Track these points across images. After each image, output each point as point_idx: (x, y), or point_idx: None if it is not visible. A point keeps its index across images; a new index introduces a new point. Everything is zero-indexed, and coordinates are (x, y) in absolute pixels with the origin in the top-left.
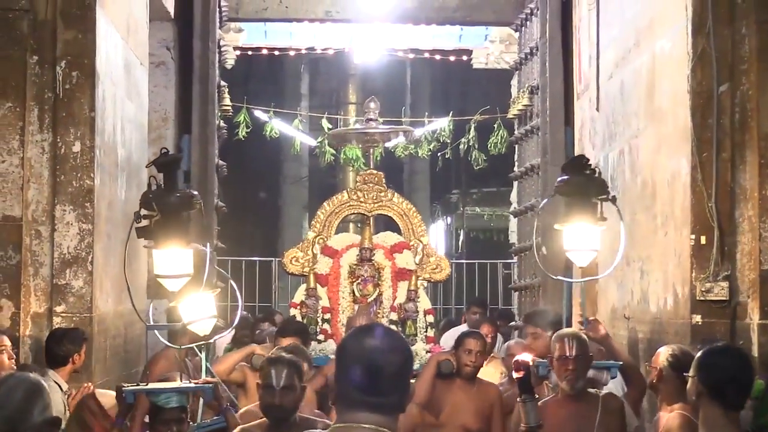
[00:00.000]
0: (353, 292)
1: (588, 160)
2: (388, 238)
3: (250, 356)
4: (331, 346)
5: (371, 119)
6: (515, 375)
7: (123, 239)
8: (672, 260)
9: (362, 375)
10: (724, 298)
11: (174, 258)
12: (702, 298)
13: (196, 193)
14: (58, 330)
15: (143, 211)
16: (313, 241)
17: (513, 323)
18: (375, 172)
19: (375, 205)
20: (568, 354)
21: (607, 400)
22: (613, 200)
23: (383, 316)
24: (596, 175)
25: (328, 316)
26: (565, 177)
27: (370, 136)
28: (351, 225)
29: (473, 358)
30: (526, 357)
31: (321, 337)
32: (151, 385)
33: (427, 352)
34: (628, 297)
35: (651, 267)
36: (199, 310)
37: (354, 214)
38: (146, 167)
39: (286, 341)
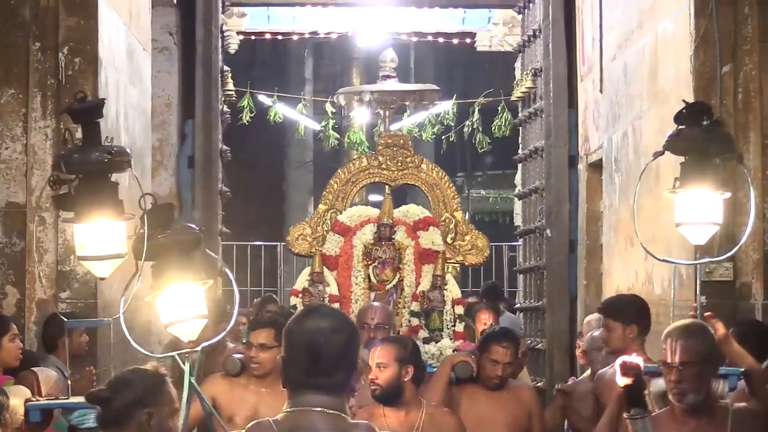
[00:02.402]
0: (368, 277)
1: (709, 107)
2: (410, 212)
3: (224, 358)
4: None
5: (388, 75)
6: (621, 381)
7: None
8: (676, 241)
9: (305, 356)
10: (728, 279)
11: (100, 234)
12: (706, 279)
13: (127, 150)
14: (48, 315)
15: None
16: (323, 216)
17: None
18: (399, 133)
19: (399, 173)
20: (669, 360)
21: (740, 414)
22: (740, 159)
23: (404, 306)
24: (719, 127)
25: (336, 306)
26: (679, 129)
27: (388, 95)
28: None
29: (500, 371)
30: (636, 358)
31: None
32: (60, 401)
33: (454, 351)
34: (633, 278)
35: (655, 248)
36: (183, 307)
37: (374, 183)
38: (59, 114)
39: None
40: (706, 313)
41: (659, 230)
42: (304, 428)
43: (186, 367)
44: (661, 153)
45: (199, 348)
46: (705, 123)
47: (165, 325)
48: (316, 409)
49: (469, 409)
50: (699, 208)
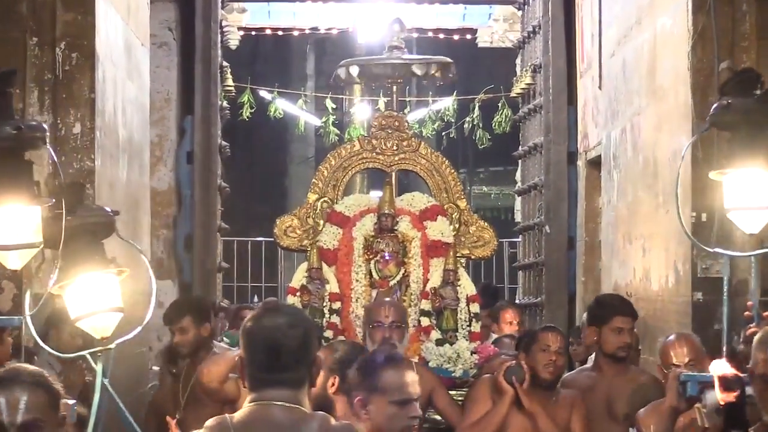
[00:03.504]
0: (370, 272)
1: (759, 75)
2: (416, 200)
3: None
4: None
5: (396, 47)
6: (722, 397)
7: (124, 221)
8: (673, 238)
9: (264, 353)
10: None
11: (10, 219)
12: (703, 276)
13: (44, 125)
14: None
15: None
16: (313, 205)
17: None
18: (395, 113)
19: (396, 158)
20: None
21: None
22: None
23: (411, 305)
24: None
25: (338, 305)
26: (726, 101)
27: (397, 67)
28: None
29: (553, 356)
30: (728, 368)
31: (329, 332)
32: None
33: (472, 353)
34: (631, 275)
35: (653, 245)
36: (94, 299)
37: (368, 169)
38: None
39: None
40: (766, 313)
41: (658, 227)
42: (261, 420)
43: (98, 368)
44: (706, 129)
45: (112, 345)
46: (757, 93)
47: (73, 320)
48: (276, 402)
49: (515, 416)
50: (752, 191)
